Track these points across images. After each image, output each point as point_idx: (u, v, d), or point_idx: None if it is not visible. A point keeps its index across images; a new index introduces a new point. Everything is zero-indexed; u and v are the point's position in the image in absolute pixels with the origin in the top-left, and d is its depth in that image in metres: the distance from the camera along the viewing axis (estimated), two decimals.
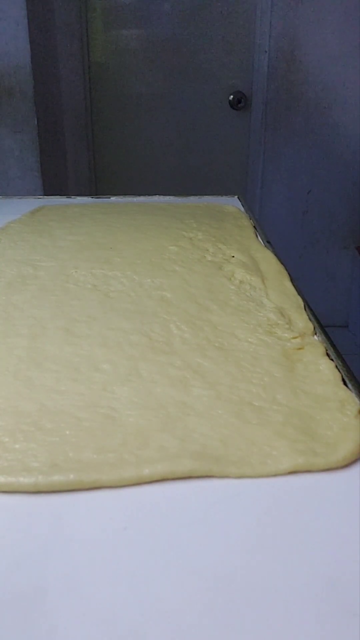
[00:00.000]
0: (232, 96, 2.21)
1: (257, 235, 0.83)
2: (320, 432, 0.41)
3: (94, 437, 0.41)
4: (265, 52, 2.11)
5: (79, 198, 1.07)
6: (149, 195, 1.06)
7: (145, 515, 0.35)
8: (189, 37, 2.13)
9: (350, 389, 0.46)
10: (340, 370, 0.49)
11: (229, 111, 2.24)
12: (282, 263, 0.73)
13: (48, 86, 2.04)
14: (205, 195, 1.05)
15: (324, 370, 0.49)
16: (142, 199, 1.04)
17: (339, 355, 0.52)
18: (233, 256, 0.74)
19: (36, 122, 1.93)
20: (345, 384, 0.47)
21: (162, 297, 0.63)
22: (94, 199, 1.07)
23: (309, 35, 2.07)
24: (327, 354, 0.52)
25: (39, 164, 1.97)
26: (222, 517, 0.35)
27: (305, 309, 0.61)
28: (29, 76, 1.88)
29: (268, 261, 0.72)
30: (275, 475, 0.38)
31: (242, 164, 2.29)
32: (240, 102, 2.22)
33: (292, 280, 0.68)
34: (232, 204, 0.98)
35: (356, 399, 0.45)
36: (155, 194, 1.07)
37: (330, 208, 2.24)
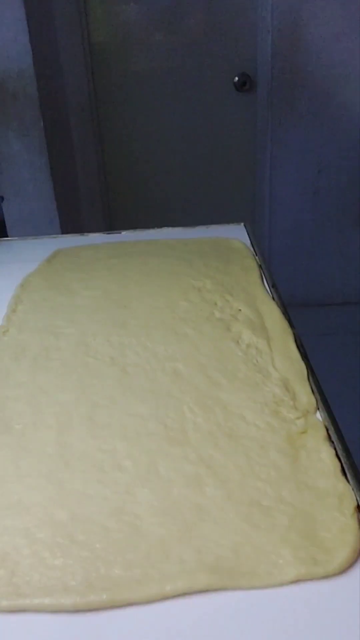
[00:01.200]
0: (237, 78, 2.19)
1: (262, 279, 0.87)
2: (320, 535, 0.47)
3: (120, 550, 0.46)
4: (268, 32, 2.08)
5: (91, 235, 1.10)
6: (157, 228, 1.09)
7: (172, 630, 0.41)
8: (190, 21, 2.09)
9: (348, 481, 0.51)
10: (341, 457, 0.54)
11: (235, 93, 2.22)
12: (286, 314, 0.77)
13: (52, 85, 2.04)
14: (211, 222, 1.08)
15: (324, 459, 0.54)
16: (152, 232, 1.08)
17: (340, 436, 0.57)
18: (240, 310, 0.78)
19: (42, 124, 1.95)
20: (344, 473, 0.52)
21: (175, 369, 0.67)
22: (106, 235, 1.11)
23: (312, 12, 2.02)
24: (329, 435, 0.57)
25: (48, 166, 2.00)
26: (238, 630, 0.41)
27: (308, 378, 0.65)
28: (32, 79, 1.89)
29: (273, 317, 0.76)
30: (280, 585, 0.44)
31: (250, 146, 2.28)
32: (245, 85, 2.20)
33: (295, 338, 0.72)
34: (237, 237, 1.01)
35: (353, 494, 0.50)
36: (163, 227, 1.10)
37: (341, 186, 2.24)
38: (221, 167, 2.29)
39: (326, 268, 2.37)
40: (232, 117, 2.26)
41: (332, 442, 0.56)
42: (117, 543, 0.47)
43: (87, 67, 2.17)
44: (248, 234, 1.03)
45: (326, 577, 0.44)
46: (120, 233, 1.10)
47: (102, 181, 2.32)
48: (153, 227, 1.06)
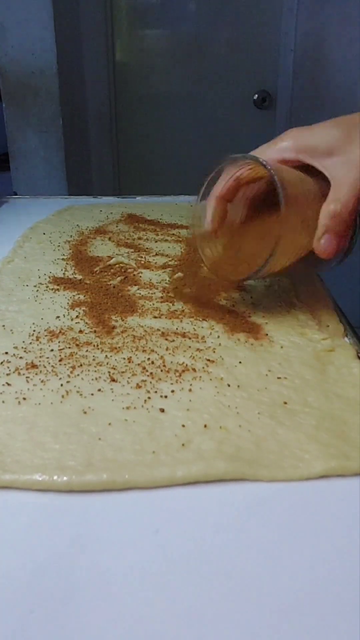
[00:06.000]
0: (256, 95, 2.20)
1: None
2: (353, 436, 0.41)
3: (137, 438, 0.41)
4: (291, 51, 2.10)
5: (104, 198, 1.07)
6: (173, 195, 1.06)
7: (177, 518, 0.35)
8: (213, 37, 2.12)
9: None
10: None
11: (254, 110, 2.23)
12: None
13: (73, 86, 2.05)
14: None
15: (356, 374, 0.48)
16: (167, 199, 1.04)
17: None
18: None
19: (61, 122, 1.95)
20: None
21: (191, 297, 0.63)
22: (119, 198, 1.07)
23: (335, 34, 2.05)
24: (359, 357, 0.51)
25: (64, 164, 1.99)
26: (254, 521, 0.35)
27: (335, 311, 0.60)
28: (55, 77, 1.89)
29: None
30: (307, 479, 0.38)
31: None
32: (265, 101, 2.21)
33: (322, 281, 0.68)
34: None
35: None
36: (180, 194, 1.07)
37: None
38: None
39: (343, 292, 2.34)
40: (250, 133, 2.26)
41: None
42: (134, 433, 0.41)
43: (109, 78, 2.19)
44: None
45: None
46: (135, 198, 1.06)
47: (117, 187, 2.31)
48: None
